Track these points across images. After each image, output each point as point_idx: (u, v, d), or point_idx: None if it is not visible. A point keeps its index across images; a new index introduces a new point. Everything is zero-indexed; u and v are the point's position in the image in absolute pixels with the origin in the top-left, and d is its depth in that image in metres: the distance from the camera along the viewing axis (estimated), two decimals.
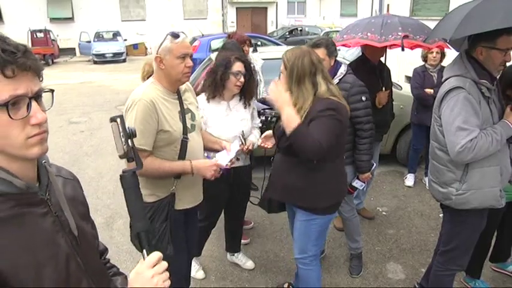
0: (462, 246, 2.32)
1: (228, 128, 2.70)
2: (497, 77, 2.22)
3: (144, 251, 1.03)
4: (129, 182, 1.06)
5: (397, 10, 7.95)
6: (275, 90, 2.04)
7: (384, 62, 3.62)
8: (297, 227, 2.38)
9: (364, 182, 2.98)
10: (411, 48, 3.48)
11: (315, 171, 2.19)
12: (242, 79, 2.69)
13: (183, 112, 2.12)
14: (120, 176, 1.07)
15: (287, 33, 18.46)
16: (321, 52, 2.61)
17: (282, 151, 2.31)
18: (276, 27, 22.34)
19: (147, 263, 1.00)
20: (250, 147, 2.65)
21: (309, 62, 2.07)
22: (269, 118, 3.25)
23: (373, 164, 2.97)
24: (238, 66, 2.67)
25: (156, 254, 1.01)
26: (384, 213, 4.14)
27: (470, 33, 2.09)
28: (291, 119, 1.97)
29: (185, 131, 2.10)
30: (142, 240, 1.04)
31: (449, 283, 2.46)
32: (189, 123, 2.14)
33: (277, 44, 12.37)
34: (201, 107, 2.61)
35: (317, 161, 2.10)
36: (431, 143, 2.29)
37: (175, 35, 1.98)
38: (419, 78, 4.40)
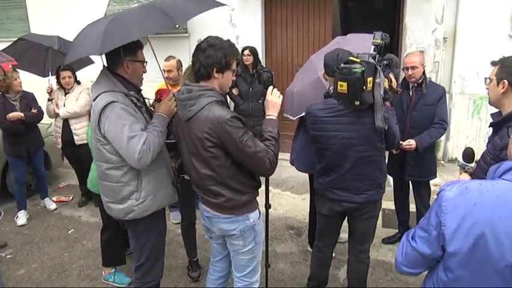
0: (153, 254, 2.39)
1: None
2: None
3: None
4: None
5: None
6: None
7: None
8: None
9: None
10: None
11: None
12: None
13: None
14: None
15: None
16: None
17: None
18: None
19: None
20: None
21: None
22: None
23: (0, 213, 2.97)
24: None
25: None
26: (9, 256, 3.68)
27: (118, 45, 2.01)
28: None
29: None
30: None
31: None
32: None
33: None
34: None
35: None
36: (100, 165, 2.22)
37: None
38: (2, 109, 3.96)
